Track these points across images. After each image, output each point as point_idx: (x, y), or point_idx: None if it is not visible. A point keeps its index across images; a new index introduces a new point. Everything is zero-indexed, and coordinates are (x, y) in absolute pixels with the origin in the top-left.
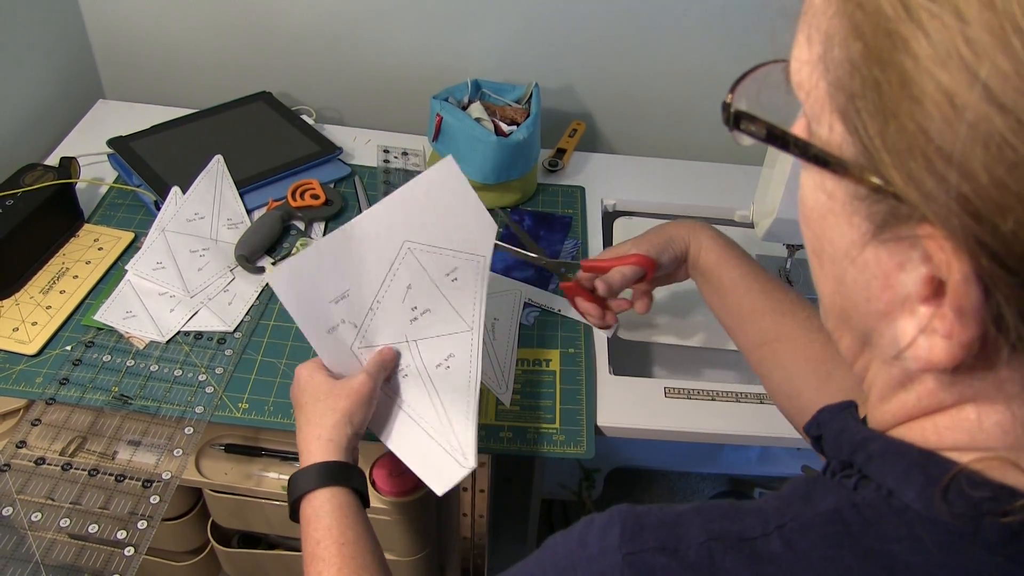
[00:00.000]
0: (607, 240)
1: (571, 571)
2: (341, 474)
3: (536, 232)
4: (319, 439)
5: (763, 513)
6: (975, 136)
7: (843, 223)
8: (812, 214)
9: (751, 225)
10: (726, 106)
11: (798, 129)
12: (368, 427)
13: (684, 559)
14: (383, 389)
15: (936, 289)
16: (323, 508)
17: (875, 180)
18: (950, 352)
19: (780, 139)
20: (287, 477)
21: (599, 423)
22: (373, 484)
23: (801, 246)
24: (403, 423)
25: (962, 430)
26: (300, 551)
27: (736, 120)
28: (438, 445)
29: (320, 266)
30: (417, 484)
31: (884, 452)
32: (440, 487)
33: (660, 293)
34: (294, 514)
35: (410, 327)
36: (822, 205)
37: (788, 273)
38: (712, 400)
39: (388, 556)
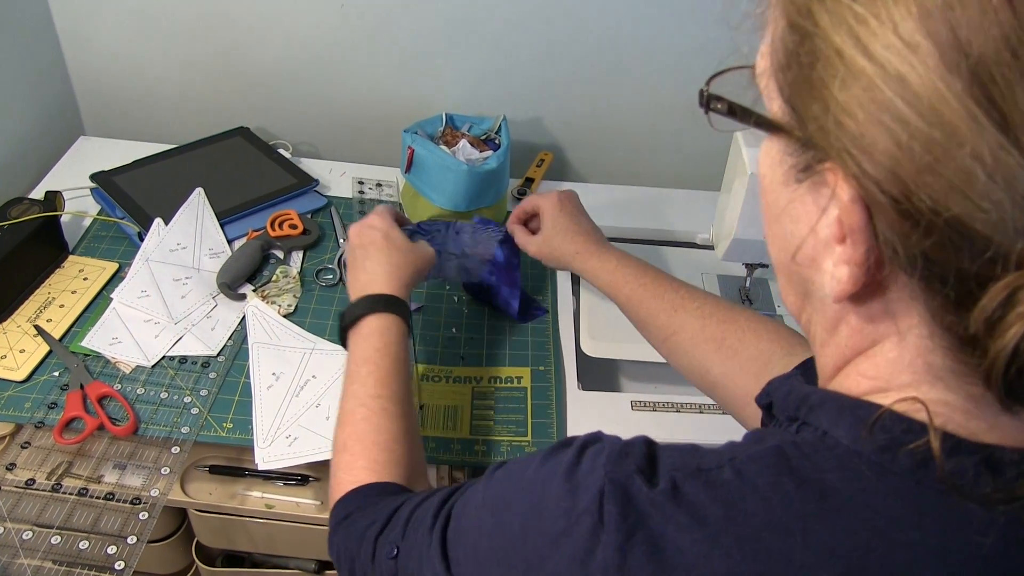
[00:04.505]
0: None
1: (557, 477)
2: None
3: (510, 260)
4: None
5: (719, 452)
6: (850, 81)
7: (779, 181)
8: (763, 182)
9: (711, 247)
10: (702, 92)
11: None
12: None
13: (655, 485)
14: None
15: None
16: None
17: (797, 133)
18: (852, 274)
19: (737, 112)
20: (270, 496)
21: (569, 435)
22: None
23: (759, 265)
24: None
25: (877, 374)
26: (283, 568)
27: (708, 102)
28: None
29: None
30: None
31: (822, 402)
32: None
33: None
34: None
35: None
36: (768, 170)
37: (748, 292)
38: (677, 412)
39: None
